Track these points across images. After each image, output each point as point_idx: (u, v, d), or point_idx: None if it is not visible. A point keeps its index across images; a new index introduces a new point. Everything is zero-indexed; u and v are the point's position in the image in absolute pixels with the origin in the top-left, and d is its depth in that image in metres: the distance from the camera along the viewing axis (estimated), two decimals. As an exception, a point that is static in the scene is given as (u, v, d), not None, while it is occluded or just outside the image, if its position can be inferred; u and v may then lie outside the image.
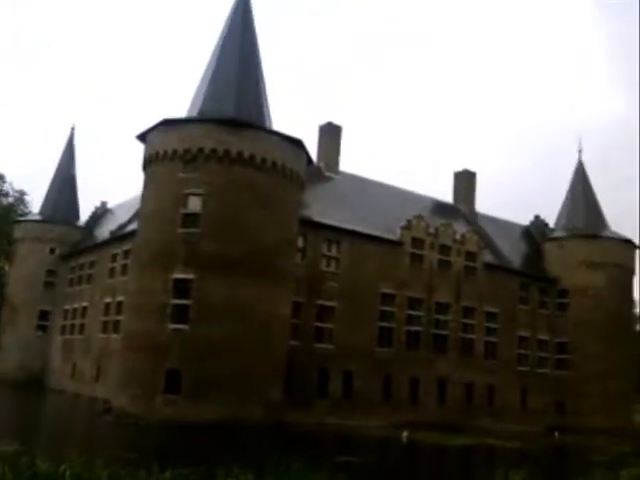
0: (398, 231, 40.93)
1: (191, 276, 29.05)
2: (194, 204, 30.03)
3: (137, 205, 36.59)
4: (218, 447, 21.87)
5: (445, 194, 52.56)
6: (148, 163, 32.35)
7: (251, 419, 27.56)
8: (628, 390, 49.43)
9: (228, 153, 30.06)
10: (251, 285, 29.28)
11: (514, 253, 49.79)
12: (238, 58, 34.16)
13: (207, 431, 24.84)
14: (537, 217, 55.47)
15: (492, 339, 44.62)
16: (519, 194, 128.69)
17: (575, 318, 47.57)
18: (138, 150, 34.82)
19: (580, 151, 54.73)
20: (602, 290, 47.52)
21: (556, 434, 39.29)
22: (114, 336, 38.95)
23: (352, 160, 52.19)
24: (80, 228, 55.88)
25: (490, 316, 44.71)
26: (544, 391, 46.42)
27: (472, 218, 50.48)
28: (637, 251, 51.22)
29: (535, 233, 54.01)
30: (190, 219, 29.89)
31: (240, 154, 30.16)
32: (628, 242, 50.40)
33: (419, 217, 42.25)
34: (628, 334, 50.70)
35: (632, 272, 50.92)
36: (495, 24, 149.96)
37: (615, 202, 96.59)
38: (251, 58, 34.76)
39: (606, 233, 50.20)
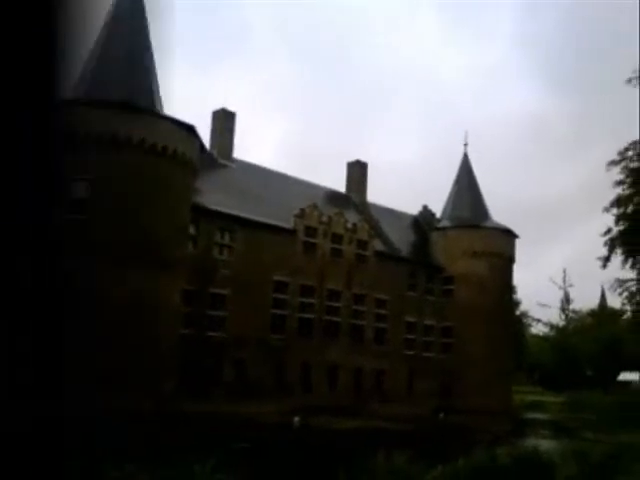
0: (292, 219, 41.20)
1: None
2: (80, 190, 28.82)
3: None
4: (104, 441, 21.24)
5: (338, 184, 53.46)
6: (29, 146, 30.68)
7: (142, 411, 26.88)
8: (508, 371, 52.50)
9: (116, 137, 29.07)
10: (139, 274, 28.52)
11: (403, 242, 51.42)
12: (127, 40, 33.03)
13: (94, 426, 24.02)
14: (425, 207, 57.63)
15: (381, 325, 45.96)
16: (409, 185, 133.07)
17: (459, 304, 49.88)
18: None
19: (466, 144, 57.29)
20: (484, 277, 50.05)
21: (441, 415, 41.10)
22: None
23: (247, 148, 52.00)
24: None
25: (380, 303, 46.01)
26: (430, 374, 48.37)
27: (364, 207, 51.63)
28: (516, 240, 54.33)
29: (423, 223, 56.10)
30: (75, 205, 28.68)
31: (129, 139, 29.25)
32: (508, 232, 53.30)
33: (312, 206, 42.70)
34: (508, 319, 53.79)
35: (512, 260, 53.94)
36: (388, 12, 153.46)
37: (499, 193, 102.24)
38: (141, 41, 33.70)
39: (488, 223, 52.86)
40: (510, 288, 56.15)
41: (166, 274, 29.82)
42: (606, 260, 16.24)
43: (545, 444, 28.27)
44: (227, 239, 37.46)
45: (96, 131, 28.92)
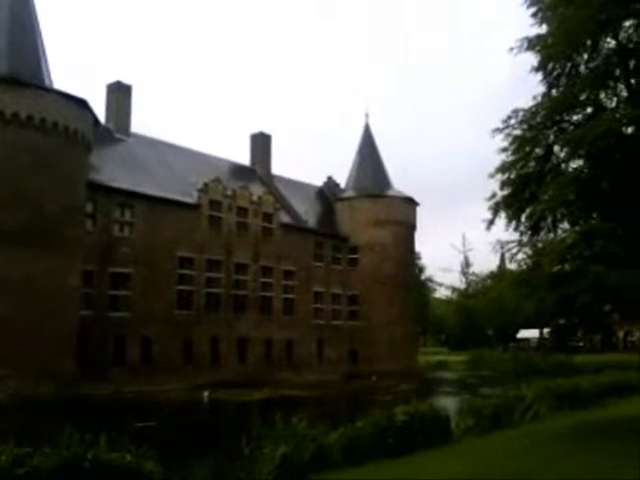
0: (195, 194, 40.66)
1: (-36, 248, 26.56)
2: (-37, 169, 27.34)
3: None
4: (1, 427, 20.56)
5: (242, 156, 53.08)
6: None
7: (41, 395, 26.12)
8: (413, 335, 54.42)
9: (2, 114, 27.75)
10: (34, 256, 27.46)
11: (309, 213, 51.86)
12: (9, 11, 31.30)
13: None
14: (329, 178, 58.27)
15: (290, 296, 46.43)
16: (314, 156, 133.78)
17: (364, 272, 51.05)
18: None
19: (367, 115, 58.09)
20: (387, 245, 51.37)
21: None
22: None
23: (147, 122, 50.68)
24: None
25: (287, 274, 46.41)
26: (339, 341, 49.45)
27: (268, 180, 51.57)
28: (417, 208, 55.94)
29: (328, 193, 56.70)
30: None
31: (16, 114, 27.98)
32: (410, 200, 54.79)
33: (216, 180, 42.27)
34: (412, 284, 55.54)
35: (414, 227, 55.59)
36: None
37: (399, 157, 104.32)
38: (25, 10, 31.97)
39: (390, 192, 54.08)
40: (413, 254, 57.87)
41: (62, 255, 28.81)
42: (490, 223, 17.01)
43: (446, 401, 29.68)
44: (127, 216, 36.55)
45: (-21, 107, 27.46)
